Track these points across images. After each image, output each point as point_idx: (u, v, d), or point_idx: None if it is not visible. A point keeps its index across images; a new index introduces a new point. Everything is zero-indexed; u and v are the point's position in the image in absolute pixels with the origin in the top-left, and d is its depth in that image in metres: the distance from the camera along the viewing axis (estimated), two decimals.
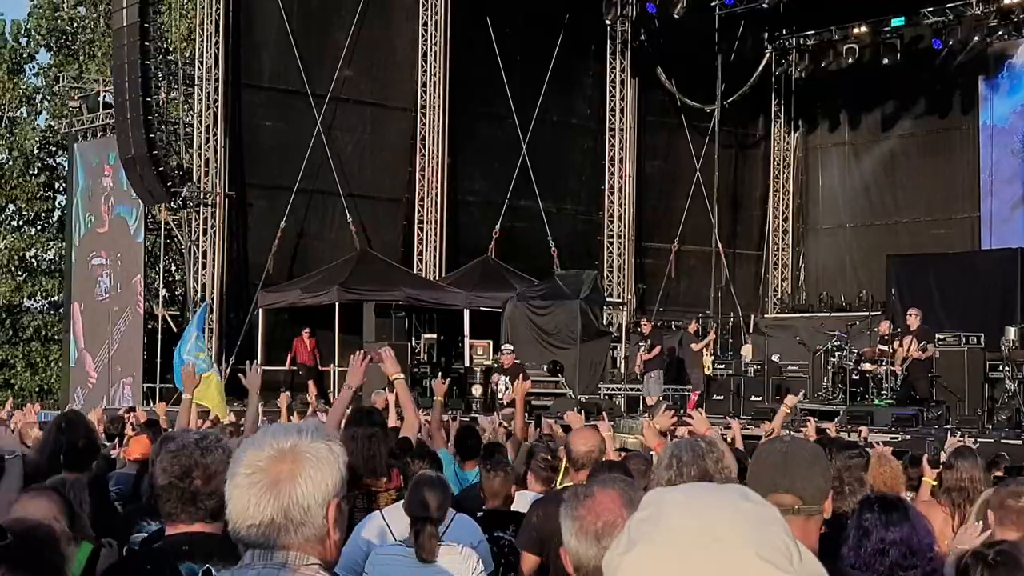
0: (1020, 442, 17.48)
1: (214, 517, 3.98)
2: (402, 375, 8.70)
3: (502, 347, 25.81)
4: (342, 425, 7.64)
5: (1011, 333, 22.29)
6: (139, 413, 19.77)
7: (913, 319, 22.19)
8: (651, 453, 7.65)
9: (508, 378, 24.37)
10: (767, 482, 3.63)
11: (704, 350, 26.82)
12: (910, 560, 4.84)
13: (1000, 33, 31.08)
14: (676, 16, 31.73)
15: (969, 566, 4.36)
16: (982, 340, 23.03)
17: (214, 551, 3.82)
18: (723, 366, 26.10)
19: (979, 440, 17.92)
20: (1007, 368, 21.97)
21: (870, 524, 4.93)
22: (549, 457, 8.15)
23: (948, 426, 20.40)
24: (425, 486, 6.20)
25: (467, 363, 28.10)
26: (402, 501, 6.41)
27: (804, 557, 1.89)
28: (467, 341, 28.72)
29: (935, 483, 8.30)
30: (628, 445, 12.33)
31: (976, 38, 31.49)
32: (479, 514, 7.69)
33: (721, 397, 25.31)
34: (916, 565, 4.82)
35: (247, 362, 11.33)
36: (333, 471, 2.85)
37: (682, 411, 11.92)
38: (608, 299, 32.09)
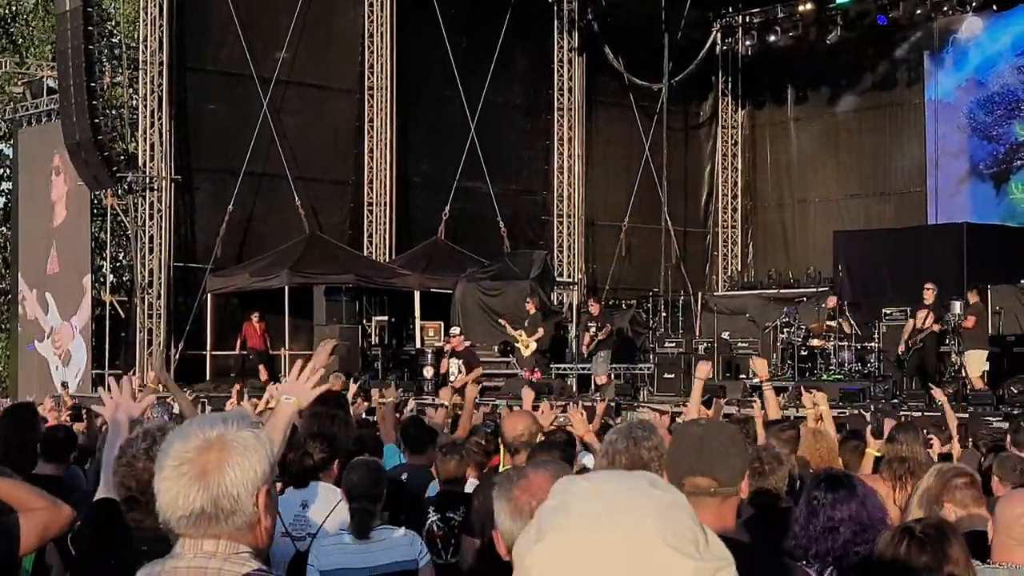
0: (966, 415, 17.62)
1: None
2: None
3: (450, 331, 25.89)
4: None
5: (956, 307, 22.46)
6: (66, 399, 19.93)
7: (929, 293, 21.91)
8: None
9: (461, 361, 24.48)
10: (684, 465, 3.66)
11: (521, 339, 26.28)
12: (862, 536, 4.85)
13: (944, 8, 31.22)
14: None
15: (897, 540, 4.39)
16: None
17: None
18: (673, 344, 26.16)
19: (925, 414, 18.12)
20: (952, 342, 22.16)
21: (818, 502, 4.94)
22: (483, 442, 8.18)
23: (894, 400, 20.61)
24: (357, 468, 6.24)
25: (418, 345, 28.09)
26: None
27: (710, 541, 1.92)
28: (418, 323, 28.69)
29: (878, 454, 8.35)
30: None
31: (920, 13, 31.64)
32: (431, 495, 7.74)
33: (672, 375, 25.36)
34: (868, 540, 4.81)
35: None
36: (261, 458, 2.87)
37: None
38: (558, 279, 32.16)
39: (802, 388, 11.50)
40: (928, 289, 22.05)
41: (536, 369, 25.51)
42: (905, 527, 4.49)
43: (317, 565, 6.14)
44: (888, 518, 5.03)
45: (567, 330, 30.31)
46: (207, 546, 2.85)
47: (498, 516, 3.23)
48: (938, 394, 13.44)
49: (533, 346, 25.54)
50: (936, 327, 21.74)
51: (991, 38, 32.55)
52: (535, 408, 9.56)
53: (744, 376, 23.85)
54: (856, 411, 18.20)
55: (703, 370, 8.72)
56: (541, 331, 25.69)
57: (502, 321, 26.10)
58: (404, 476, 8.43)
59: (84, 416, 15.08)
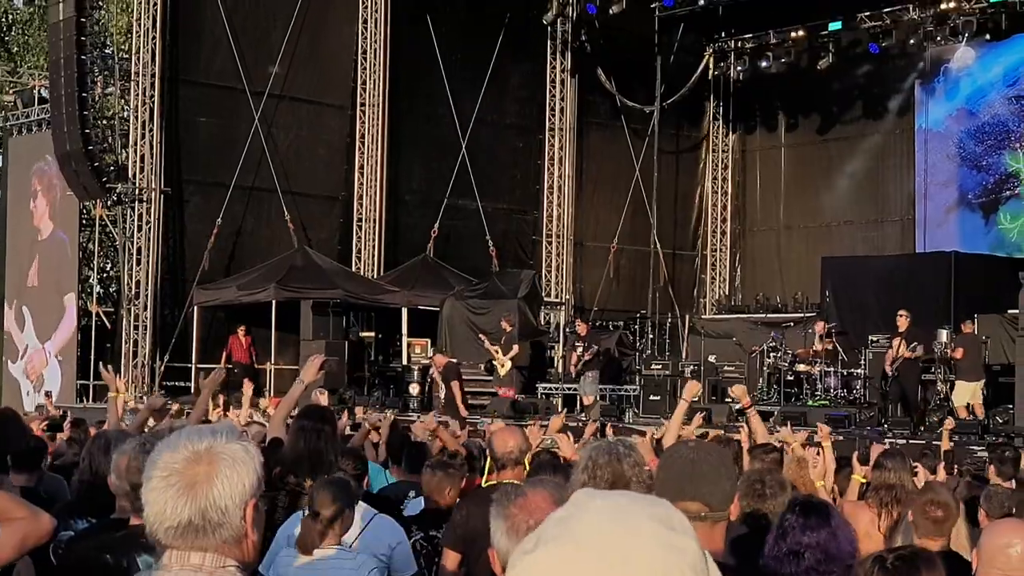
0: (951, 444, 17.62)
1: None
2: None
3: (431, 352, 26.03)
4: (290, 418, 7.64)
5: (943, 336, 22.52)
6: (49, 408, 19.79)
7: (903, 320, 22.11)
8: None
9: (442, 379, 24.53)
10: (674, 489, 3.64)
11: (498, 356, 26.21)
12: (827, 566, 4.82)
13: (937, 38, 31.34)
14: (612, 13, 31.74)
15: (868, 568, 4.37)
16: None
17: None
18: (659, 366, 26.18)
19: (911, 442, 18.14)
20: (939, 371, 22.23)
21: (789, 525, 4.93)
22: (469, 460, 8.17)
23: (879, 428, 20.63)
24: (321, 485, 6.22)
25: (405, 361, 28.07)
26: None
27: None
28: (405, 340, 28.68)
29: (864, 480, 8.35)
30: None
31: (912, 43, 31.77)
32: (413, 514, 7.71)
33: (658, 397, 25.40)
34: (832, 571, 4.79)
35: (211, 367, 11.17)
36: (249, 471, 2.86)
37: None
38: (546, 299, 32.16)
39: (778, 426, 11.44)
40: (901, 316, 22.18)
41: (512, 387, 25.51)
42: (877, 556, 4.47)
43: (266, 572, 6.13)
44: (858, 554, 4.99)
45: (553, 349, 30.32)
46: (194, 559, 2.83)
47: (494, 534, 3.21)
48: (949, 423, 13.67)
49: (509, 364, 25.53)
50: (909, 354, 21.86)
51: (983, 68, 32.65)
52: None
53: (729, 400, 23.87)
54: (842, 437, 18.22)
55: (690, 390, 8.55)
56: (516, 348, 25.69)
57: (481, 336, 26.10)
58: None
59: (69, 426, 14.98)
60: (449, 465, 7.91)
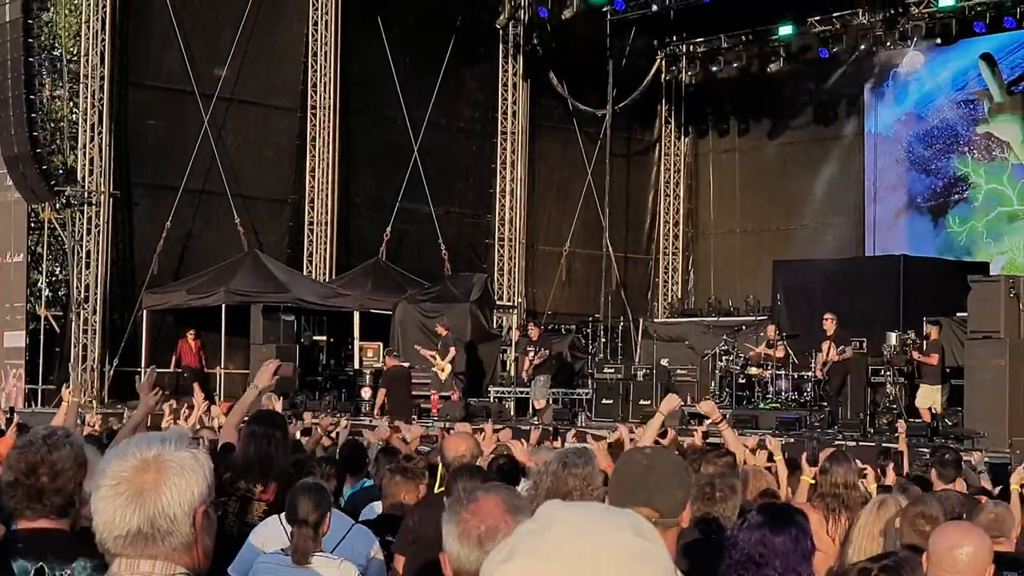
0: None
1: (60, 514, 3.98)
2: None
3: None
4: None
5: (892, 338, 22.70)
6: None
7: (829, 323, 22.36)
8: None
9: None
10: (626, 495, 3.65)
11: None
12: (781, 574, 4.83)
13: (886, 43, 31.60)
14: (564, 18, 31.81)
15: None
16: (865, 345, 23.44)
17: (51, 548, 3.79)
18: (612, 370, 26.23)
19: (861, 444, 18.27)
20: (888, 373, 22.40)
21: (747, 531, 4.93)
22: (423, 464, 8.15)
23: (830, 430, 20.75)
24: (301, 492, 6.18)
25: (357, 365, 28.01)
26: None
27: None
28: (357, 344, 28.61)
29: (812, 481, 8.37)
30: None
31: (862, 47, 32.01)
32: (369, 519, 7.69)
33: (610, 401, 25.45)
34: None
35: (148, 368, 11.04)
36: (199, 479, 2.86)
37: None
38: (498, 302, 32.17)
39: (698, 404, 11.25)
40: (828, 320, 22.38)
41: (454, 391, 25.47)
42: (862, 568, 4.49)
43: None
44: (811, 568, 4.98)
45: (505, 353, 30.32)
46: (143, 567, 2.82)
47: (446, 539, 3.19)
48: (901, 427, 13.75)
49: (448, 368, 25.51)
50: (838, 356, 22.07)
51: (931, 73, 32.92)
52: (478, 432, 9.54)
53: (683, 404, 23.93)
54: (792, 439, 18.32)
55: (669, 404, 8.34)
56: (453, 352, 25.66)
57: (417, 346, 26.04)
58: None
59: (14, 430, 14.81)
60: (408, 469, 7.89)
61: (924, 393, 21.68)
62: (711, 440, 12.99)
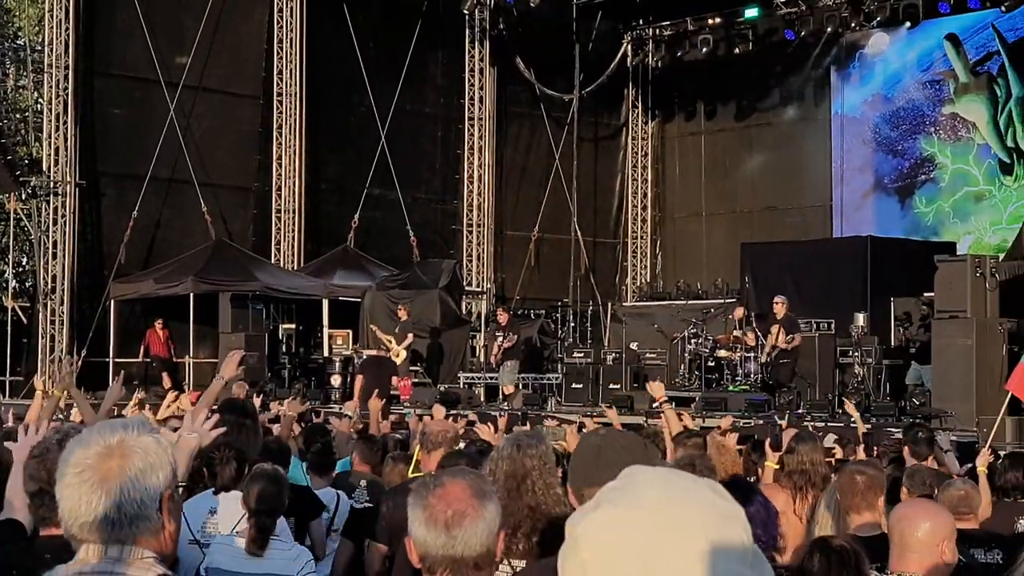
0: (868, 427, 17.83)
1: None
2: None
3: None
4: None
5: (859, 319, 22.81)
6: None
7: (779, 307, 22.45)
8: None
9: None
10: (582, 476, 3.67)
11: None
12: (762, 540, 4.88)
13: (852, 24, 31.73)
14: (531, 4, 31.78)
15: (808, 555, 4.43)
16: (833, 326, 23.55)
17: None
18: (581, 354, 26.25)
19: (829, 425, 18.35)
20: (856, 354, 22.49)
21: None
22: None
23: (799, 411, 20.82)
24: (259, 479, 6.16)
25: (326, 353, 27.96)
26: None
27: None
28: (326, 331, 28.56)
29: (777, 466, 8.42)
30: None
31: (828, 29, 32.11)
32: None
33: (580, 385, 25.45)
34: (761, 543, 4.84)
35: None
36: (163, 463, 2.86)
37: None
38: (467, 288, 32.15)
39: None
40: (778, 303, 22.45)
41: (408, 376, 25.23)
42: (822, 543, 4.53)
43: (208, 562, 6.10)
44: (780, 537, 5.03)
45: (474, 339, 30.33)
46: (111, 552, 2.83)
47: (412, 524, 3.18)
48: (850, 407, 13.77)
49: (404, 354, 25.39)
50: (785, 344, 22.09)
51: (897, 54, 33.07)
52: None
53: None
54: (762, 421, 18.39)
55: (657, 392, 9.10)
56: (410, 338, 25.54)
57: (372, 327, 25.91)
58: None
59: None
60: (405, 456, 7.93)
61: (915, 371, 21.85)
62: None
